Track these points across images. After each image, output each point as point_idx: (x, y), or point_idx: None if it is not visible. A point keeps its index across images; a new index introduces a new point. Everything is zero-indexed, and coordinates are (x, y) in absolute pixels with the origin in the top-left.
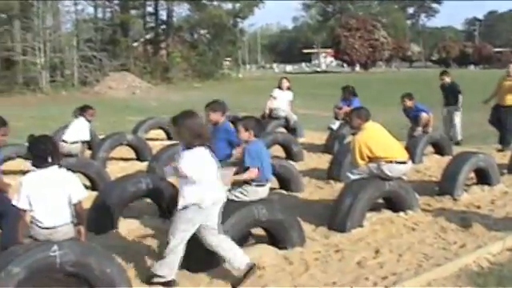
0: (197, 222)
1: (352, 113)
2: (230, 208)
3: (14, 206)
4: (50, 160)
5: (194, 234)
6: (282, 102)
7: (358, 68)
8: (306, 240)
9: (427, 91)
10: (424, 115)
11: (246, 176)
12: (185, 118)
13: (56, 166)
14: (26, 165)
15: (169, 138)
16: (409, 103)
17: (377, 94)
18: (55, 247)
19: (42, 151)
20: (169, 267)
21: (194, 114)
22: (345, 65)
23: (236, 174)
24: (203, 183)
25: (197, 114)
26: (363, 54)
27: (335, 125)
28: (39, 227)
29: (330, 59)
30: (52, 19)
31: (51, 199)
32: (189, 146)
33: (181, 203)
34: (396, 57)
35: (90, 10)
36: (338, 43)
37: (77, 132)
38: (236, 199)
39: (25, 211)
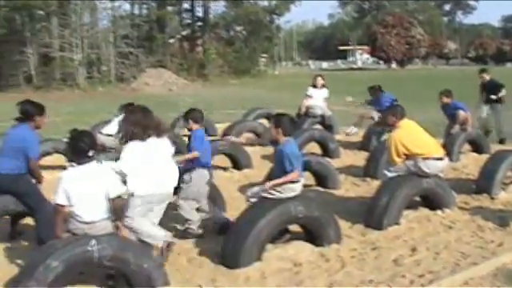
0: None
1: (387, 111)
2: (266, 205)
3: (47, 201)
4: (89, 155)
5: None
6: (317, 99)
7: (394, 65)
8: (342, 237)
9: (464, 89)
10: (461, 113)
11: (288, 179)
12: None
13: (95, 162)
14: (64, 160)
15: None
16: (446, 100)
17: (413, 91)
18: (93, 242)
19: (82, 147)
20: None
21: (136, 109)
22: (381, 62)
23: (267, 178)
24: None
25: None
26: (399, 51)
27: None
28: (78, 221)
29: (365, 56)
30: (89, 16)
31: (90, 194)
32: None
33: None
34: (432, 54)
35: (127, 6)
36: (374, 40)
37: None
38: (272, 196)
39: (63, 206)
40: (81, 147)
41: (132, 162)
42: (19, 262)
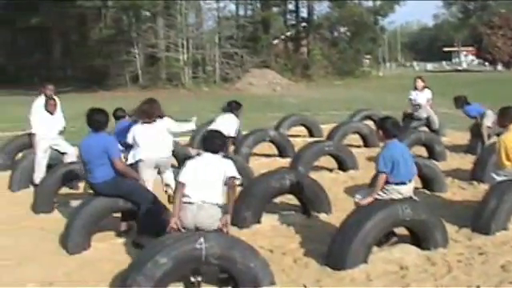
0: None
1: (499, 113)
2: (374, 206)
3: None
4: (221, 153)
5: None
6: (421, 102)
7: (500, 67)
8: (448, 241)
9: None
10: None
11: (378, 185)
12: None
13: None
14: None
15: (311, 135)
16: None
17: None
18: (201, 240)
19: (217, 146)
20: None
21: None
22: (486, 63)
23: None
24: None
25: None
26: (506, 52)
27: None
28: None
29: (470, 57)
30: (194, 16)
31: (206, 177)
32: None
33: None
34: None
35: (232, 7)
36: (479, 41)
37: (224, 126)
38: (379, 197)
39: (183, 184)
40: (213, 147)
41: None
42: (127, 257)
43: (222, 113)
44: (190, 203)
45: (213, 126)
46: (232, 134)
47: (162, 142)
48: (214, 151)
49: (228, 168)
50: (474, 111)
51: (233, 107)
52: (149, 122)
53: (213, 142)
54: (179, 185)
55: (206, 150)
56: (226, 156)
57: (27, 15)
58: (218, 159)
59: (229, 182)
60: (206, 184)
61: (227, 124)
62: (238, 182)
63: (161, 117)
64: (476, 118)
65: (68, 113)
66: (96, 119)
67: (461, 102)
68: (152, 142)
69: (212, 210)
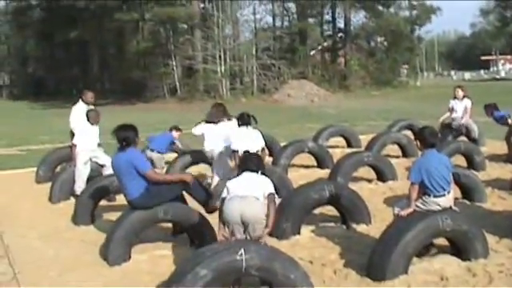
0: None
1: None
2: (414, 217)
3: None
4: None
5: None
6: (460, 111)
7: None
8: (489, 252)
9: None
10: None
11: (411, 196)
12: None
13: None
14: (207, 169)
15: (349, 145)
16: None
17: None
18: (242, 251)
19: (254, 166)
20: None
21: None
22: None
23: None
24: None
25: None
26: None
27: None
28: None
29: (509, 66)
30: (231, 28)
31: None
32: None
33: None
34: None
35: (269, 18)
36: None
37: (254, 141)
38: (418, 209)
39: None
40: (252, 167)
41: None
42: (167, 269)
43: (243, 126)
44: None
45: (242, 143)
46: (262, 145)
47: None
48: (253, 170)
49: (267, 185)
50: (503, 113)
51: (250, 119)
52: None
53: (251, 162)
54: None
55: (245, 169)
56: (264, 173)
57: (66, 29)
58: (257, 177)
59: (268, 198)
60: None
61: (254, 138)
62: (276, 197)
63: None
64: (507, 121)
65: (106, 125)
66: (124, 136)
67: (491, 109)
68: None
69: (257, 204)
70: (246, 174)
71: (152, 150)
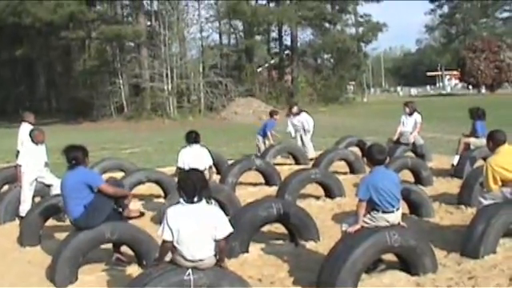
0: None
1: (487, 136)
2: (362, 234)
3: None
4: (197, 197)
5: None
6: (410, 126)
7: (483, 90)
8: (438, 266)
9: None
10: None
11: (358, 212)
12: None
13: (204, 202)
14: (156, 189)
15: (297, 162)
16: None
17: (505, 116)
18: (189, 271)
19: (192, 188)
20: None
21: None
22: (470, 87)
23: None
24: None
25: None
26: (489, 75)
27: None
28: (184, 259)
29: (454, 81)
30: (178, 46)
31: (197, 234)
32: None
33: None
34: None
35: (216, 36)
36: (462, 65)
37: (201, 159)
38: (366, 225)
39: (168, 242)
40: (189, 188)
41: None
42: None
43: (189, 145)
44: (184, 260)
45: (189, 162)
46: (210, 163)
47: None
48: (191, 193)
49: (219, 228)
50: (482, 130)
51: (197, 137)
52: None
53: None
54: (163, 242)
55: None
56: (210, 196)
57: (11, 47)
58: (206, 210)
59: (220, 245)
60: (199, 241)
61: (201, 156)
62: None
63: None
64: (478, 136)
65: (53, 144)
66: (73, 156)
67: (477, 114)
68: None
69: (207, 262)
70: (193, 205)
71: None
